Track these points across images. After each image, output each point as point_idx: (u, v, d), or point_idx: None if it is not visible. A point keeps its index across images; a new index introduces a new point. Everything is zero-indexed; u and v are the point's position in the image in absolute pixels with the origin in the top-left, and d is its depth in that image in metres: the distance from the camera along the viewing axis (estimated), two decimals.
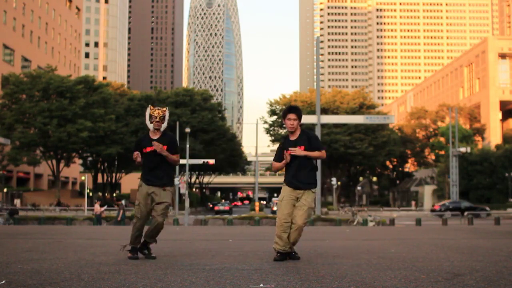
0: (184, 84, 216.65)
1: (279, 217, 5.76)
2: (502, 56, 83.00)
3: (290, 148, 5.75)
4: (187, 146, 44.45)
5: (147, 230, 6.04)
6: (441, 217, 32.86)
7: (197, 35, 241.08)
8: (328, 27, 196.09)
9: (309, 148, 5.79)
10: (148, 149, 5.94)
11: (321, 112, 35.03)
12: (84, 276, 4.62)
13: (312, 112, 47.91)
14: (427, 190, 65.38)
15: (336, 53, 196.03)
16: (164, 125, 6.01)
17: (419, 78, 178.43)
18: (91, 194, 61.27)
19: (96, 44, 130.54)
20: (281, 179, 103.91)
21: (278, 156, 5.95)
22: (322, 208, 43.01)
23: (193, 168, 59.55)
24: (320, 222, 24.62)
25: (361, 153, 58.19)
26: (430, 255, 6.39)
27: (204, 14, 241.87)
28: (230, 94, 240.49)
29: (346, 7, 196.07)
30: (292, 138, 5.88)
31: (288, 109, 5.90)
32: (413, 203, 66.21)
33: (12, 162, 50.39)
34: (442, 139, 67.07)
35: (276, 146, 79.66)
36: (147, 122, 6.01)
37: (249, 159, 57.73)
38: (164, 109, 6.05)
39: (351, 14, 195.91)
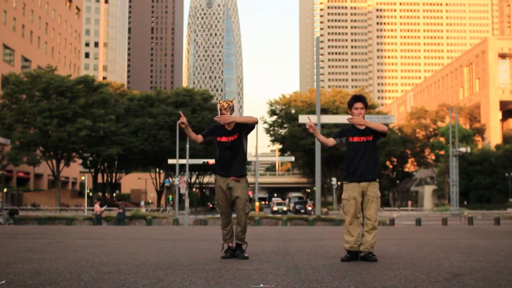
0: (184, 84, 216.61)
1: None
2: (502, 56, 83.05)
3: (351, 119, 5.56)
4: (187, 146, 44.52)
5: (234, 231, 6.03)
6: None
7: (197, 35, 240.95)
8: (328, 27, 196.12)
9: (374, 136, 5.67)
10: (224, 138, 5.90)
11: (321, 112, 35.03)
12: (84, 276, 4.62)
13: (312, 112, 47.91)
14: (427, 190, 65.39)
15: (336, 53, 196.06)
16: (234, 115, 6.00)
17: (419, 78, 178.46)
18: (91, 194, 61.28)
19: (96, 44, 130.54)
20: (281, 179, 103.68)
21: (335, 134, 5.82)
22: (322, 208, 43.02)
23: (193, 168, 59.51)
24: (320, 222, 24.62)
25: None
26: (430, 255, 6.38)
27: (204, 14, 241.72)
28: (230, 94, 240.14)
29: (346, 7, 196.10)
30: (360, 127, 5.72)
31: (355, 98, 5.74)
32: (409, 203, 66.18)
33: (12, 162, 50.39)
34: (442, 139, 67.12)
35: (276, 146, 79.73)
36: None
37: (249, 159, 57.54)
38: (232, 100, 6.03)
39: (351, 14, 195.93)
